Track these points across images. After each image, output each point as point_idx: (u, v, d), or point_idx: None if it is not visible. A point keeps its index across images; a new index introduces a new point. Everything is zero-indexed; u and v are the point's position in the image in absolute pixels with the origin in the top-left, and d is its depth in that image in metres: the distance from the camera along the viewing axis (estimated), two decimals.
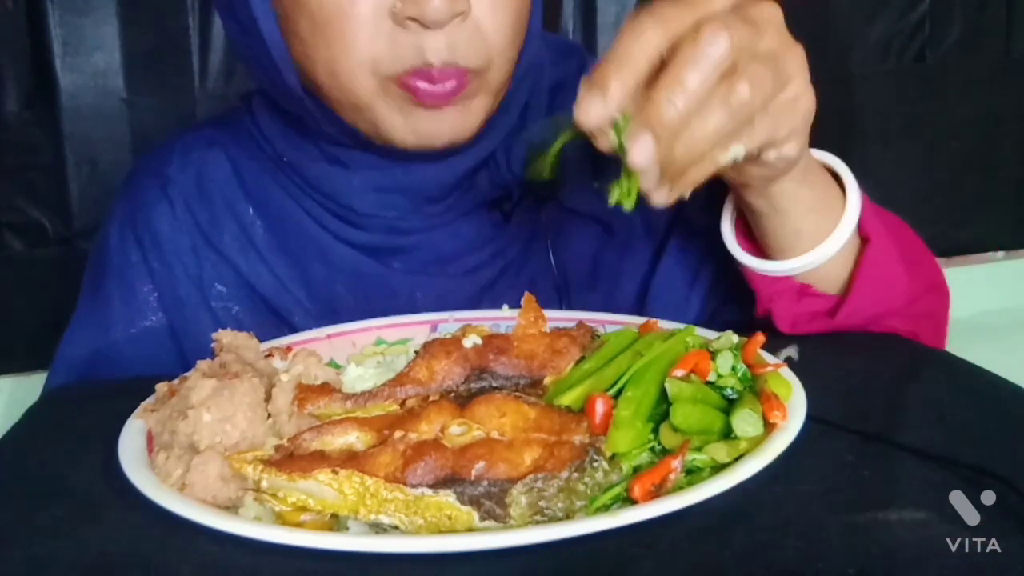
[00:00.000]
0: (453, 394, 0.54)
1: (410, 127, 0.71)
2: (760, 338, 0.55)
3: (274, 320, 0.81)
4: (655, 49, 0.50)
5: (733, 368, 0.52)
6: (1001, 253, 1.70)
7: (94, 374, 0.80)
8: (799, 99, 0.55)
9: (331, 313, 0.79)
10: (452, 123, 0.72)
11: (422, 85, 0.68)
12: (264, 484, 0.46)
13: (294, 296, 0.82)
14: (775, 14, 0.54)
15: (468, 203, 0.80)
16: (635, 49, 0.50)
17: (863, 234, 0.69)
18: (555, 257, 0.82)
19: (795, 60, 0.54)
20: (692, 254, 0.80)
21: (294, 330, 0.77)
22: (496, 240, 0.82)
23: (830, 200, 0.67)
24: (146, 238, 0.82)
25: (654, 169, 0.50)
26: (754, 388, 0.51)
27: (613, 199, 0.53)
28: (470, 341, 0.57)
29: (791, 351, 0.62)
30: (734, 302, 0.78)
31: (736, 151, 0.53)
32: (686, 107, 0.49)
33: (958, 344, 0.75)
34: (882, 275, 0.69)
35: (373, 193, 0.79)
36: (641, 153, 0.49)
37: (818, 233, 0.67)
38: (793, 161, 0.60)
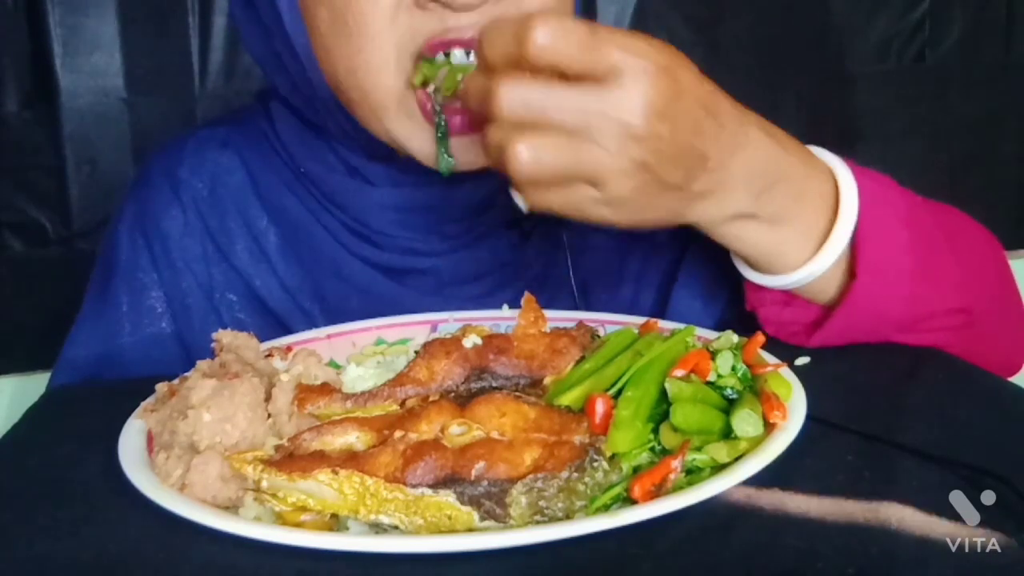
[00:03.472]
0: (453, 394, 0.54)
1: (429, 145, 0.68)
2: (760, 338, 0.55)
3: (284, 333, 0.78)
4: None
5: (733, 368, 0.52)
6: None
7: (98, 376, 0.79)
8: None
9: None
10: (476, 153, 0.67)
11: (456, 118, 0.66)
12: (264, 484, 0.46)
13: (306, 310, 0.80)
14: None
15: (488, 223, 0.78)
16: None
17: (855, 268, 0.65)
18: (575, 275, 0.80)
19: (625, 164, 0.54)
20: (712, 265, 0.78)
21: None
22: (515, 261, 0.80)
23: (790, 248, 0.64)
24: (156, 242, 0.81)
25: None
26: (754, 388, 0.51)
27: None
28: (470, 341, 0.57)
29: (803, 360, 0.63)
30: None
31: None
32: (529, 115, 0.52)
33: None
34: (870, 308, 0.65)
35: (392, 212, 0.77)
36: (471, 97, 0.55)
37: (771, 270, 0.66)
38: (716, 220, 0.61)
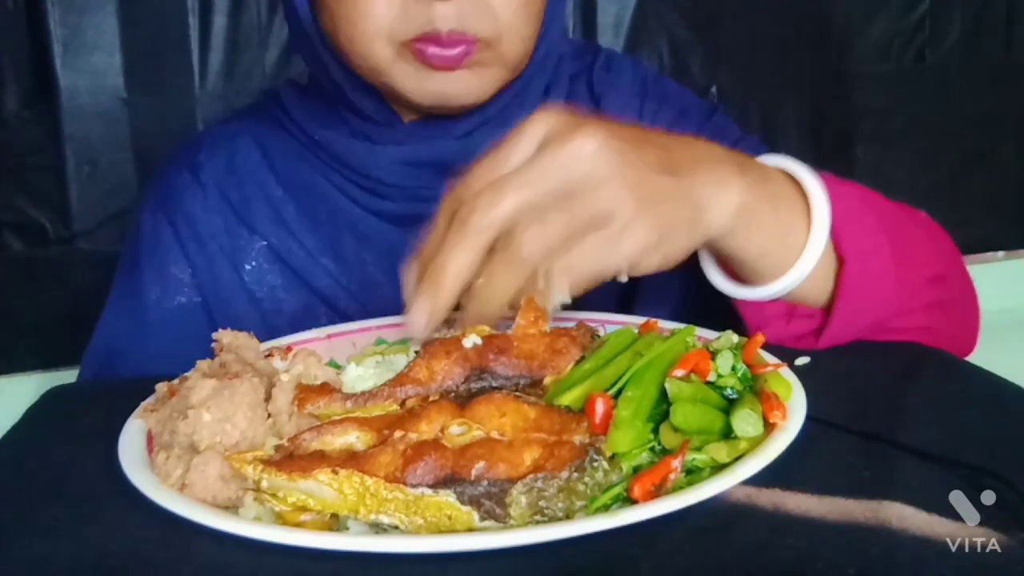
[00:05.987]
0: (453, 394, 0.54)
1: (424, 88, 0.76)
2: (760, 338, 0.55)
3: (306, 292, 0.84)
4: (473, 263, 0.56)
5: (733, 368, 0.52)
6: (1001, 253, 1.69)
7: (129, 350, 0.83)
8: (626, 229, 0.56)
9: (362, 284, 0.83)
10: (465, 83, 0.77)
11: (431, 49, 0.73)
12: (264, 484, 0.46)
13: (325, 268, 0.85)
14: (584, 151, 0.56)
15: None
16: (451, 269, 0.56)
17: (839, 254, 0.67)
18: None
19: (612, 190, 0.56)
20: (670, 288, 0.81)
21: (326, 301, 0.83)
22: None
23: (791, 230, 0.65)
24: (179, 219, 0.85)
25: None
26: (754, 388, 0.51)
27: None
28: (470, 341, 0.56)
29: (803, 360, 0.63)
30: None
31: (557, 298, 0.56)
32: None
33: None
34: (865, 291, 0.67)
35: (399, 166, 0.83)
36: (416, 322, 0.57)
37: (783, 263, 0.66)
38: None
